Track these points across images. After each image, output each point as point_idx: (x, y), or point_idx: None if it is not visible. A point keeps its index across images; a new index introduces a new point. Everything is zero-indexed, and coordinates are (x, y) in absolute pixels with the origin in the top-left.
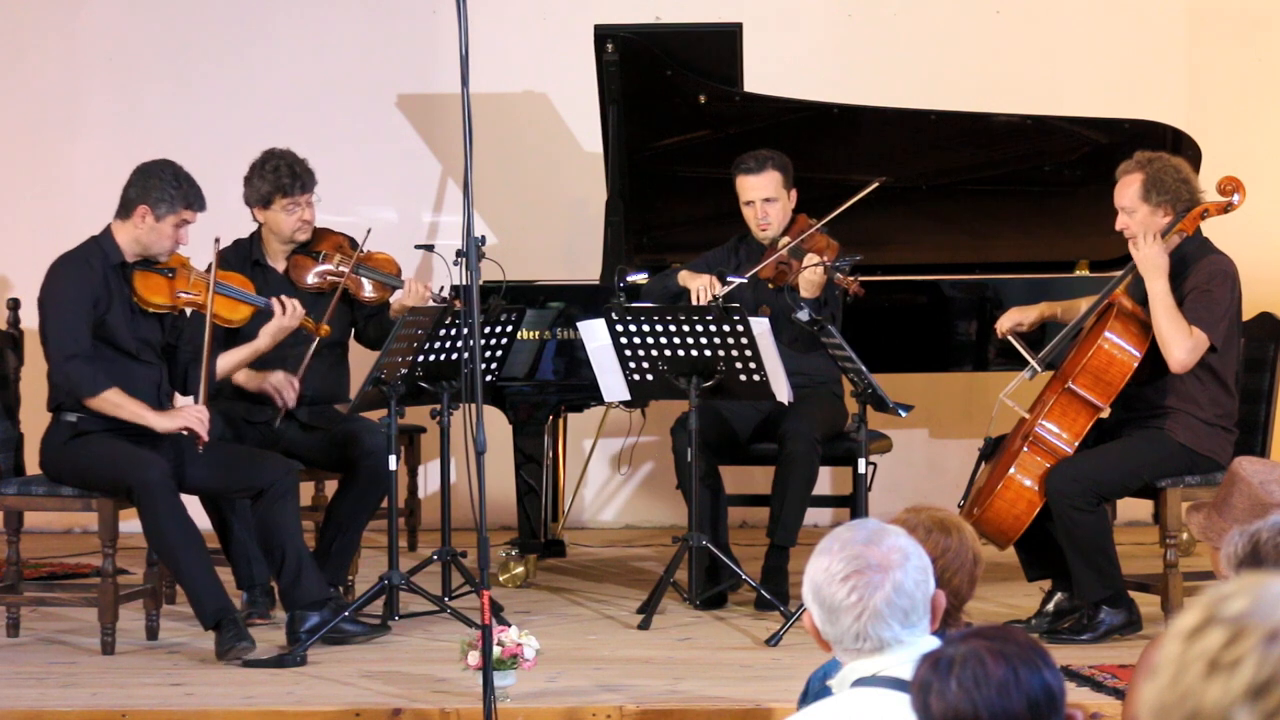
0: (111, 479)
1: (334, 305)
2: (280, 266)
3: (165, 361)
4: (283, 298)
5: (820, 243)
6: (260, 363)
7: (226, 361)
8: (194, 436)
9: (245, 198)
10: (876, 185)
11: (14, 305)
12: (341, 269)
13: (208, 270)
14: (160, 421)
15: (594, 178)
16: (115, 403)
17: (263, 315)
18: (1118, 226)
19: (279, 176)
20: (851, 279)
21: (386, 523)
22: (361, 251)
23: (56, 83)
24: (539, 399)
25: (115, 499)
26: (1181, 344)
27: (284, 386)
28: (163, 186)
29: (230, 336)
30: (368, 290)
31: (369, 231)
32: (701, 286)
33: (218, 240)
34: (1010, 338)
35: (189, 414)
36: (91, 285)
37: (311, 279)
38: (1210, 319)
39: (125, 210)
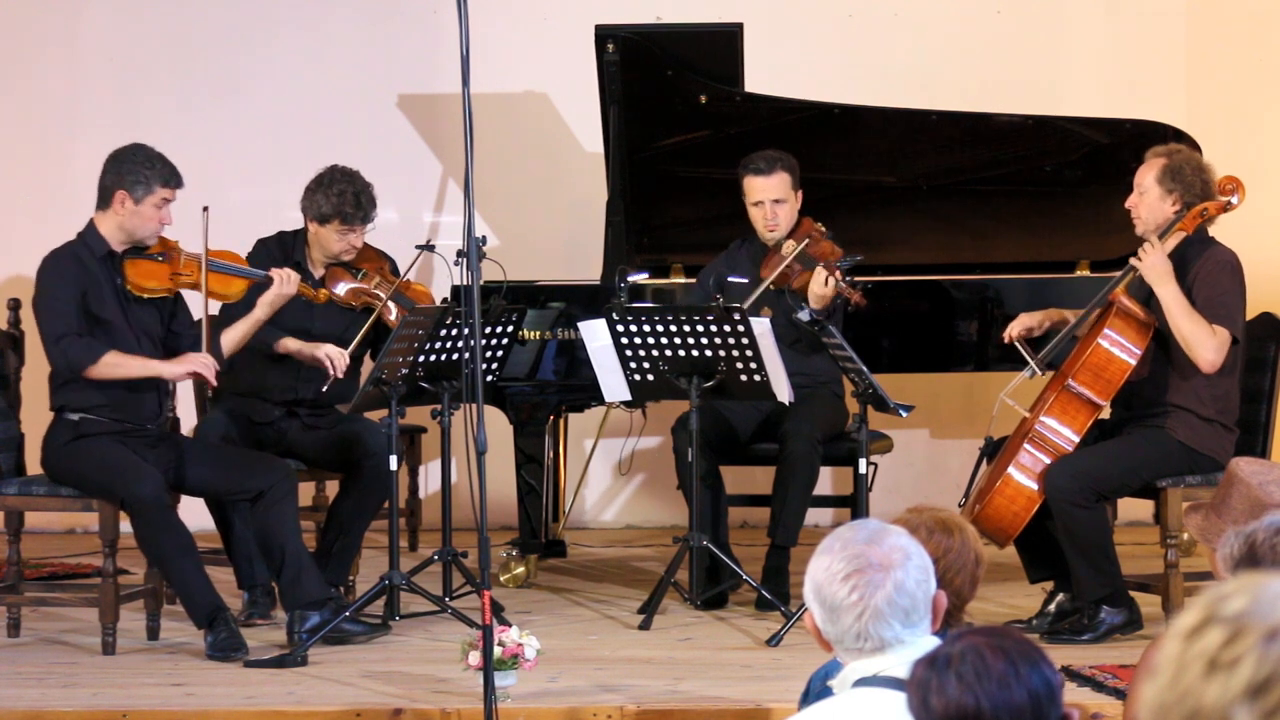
0: (107, 488)
1: (366, 329)
2: (318, 274)
3: (165, 352)
4: (275, 269)
5: (827, 249)
6: (310, 339)
7: (229, 338)
8: (192, 436)
9: (302, 206)
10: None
11: (14, 305)
12: (378, 293)
13: (200, 250)
14: (168, 369)
15: (595, 178)
16: (117, 363)
17: (260, 287)
18: (1127, 204)
19: (343, 203)
20: (855, 291)
21: (387, 523)
22: (402, 279)
23: (57, 84)
24: (540, 399)
25: (112, 504)
26: (1207, 344)
27: (336, 357)
28: (136, 169)
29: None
30: (395, 316)
31: (418, 257)
32: None
33: (205, 209)
34: (1017, 343)
35: (196, 360)
36: (79, 276)
37: (345, 293)
38: (1227, 313)
39: (104, 199)
